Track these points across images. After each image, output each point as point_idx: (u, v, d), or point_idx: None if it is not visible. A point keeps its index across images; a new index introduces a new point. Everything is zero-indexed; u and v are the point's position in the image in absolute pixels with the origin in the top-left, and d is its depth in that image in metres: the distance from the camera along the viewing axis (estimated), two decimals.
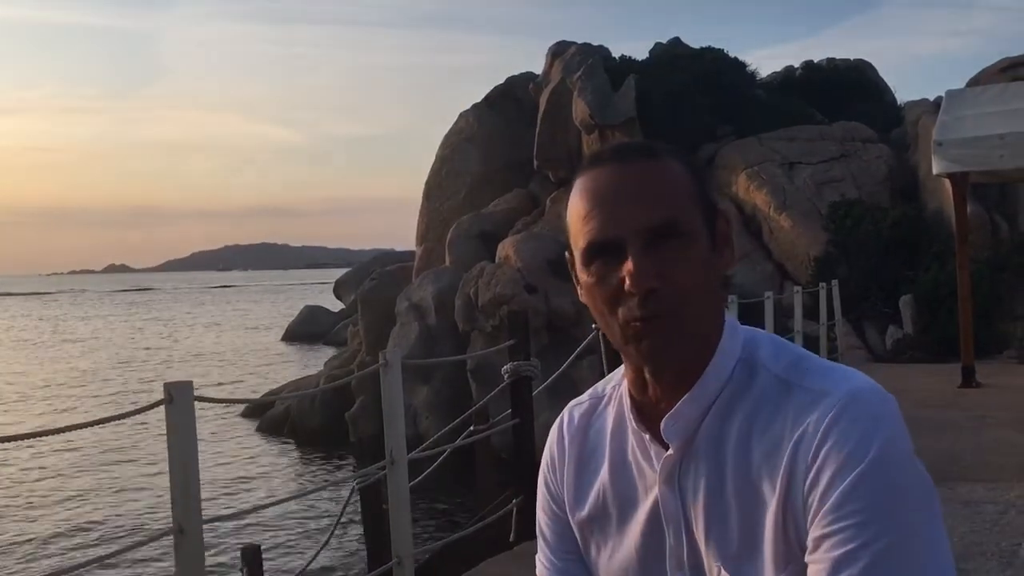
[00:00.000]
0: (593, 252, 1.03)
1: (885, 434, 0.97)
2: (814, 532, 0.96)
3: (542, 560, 1.23)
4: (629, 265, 1.00)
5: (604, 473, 1.15)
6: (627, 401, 1.13)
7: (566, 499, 1.20)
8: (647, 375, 1.08)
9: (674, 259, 1.01)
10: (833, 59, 23.50)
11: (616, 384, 1.17)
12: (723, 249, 1.07)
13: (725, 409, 1.05)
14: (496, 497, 5.92)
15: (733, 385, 1.05)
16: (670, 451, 1.07)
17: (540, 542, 1.24)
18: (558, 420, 1.23)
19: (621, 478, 1.13)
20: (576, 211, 1.05)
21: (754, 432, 1.03)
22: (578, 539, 1.19)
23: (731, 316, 1.11)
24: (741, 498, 1.03)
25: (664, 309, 1.00)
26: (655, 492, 1.09)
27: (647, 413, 1.10)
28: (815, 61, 23.55)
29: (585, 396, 1.22)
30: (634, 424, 1.11)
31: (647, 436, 1.09)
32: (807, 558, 0.97)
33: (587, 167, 1.07)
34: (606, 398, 1.19)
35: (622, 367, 1.14)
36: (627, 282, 1.00)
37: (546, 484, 1.22)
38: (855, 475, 0.95)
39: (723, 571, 1.04)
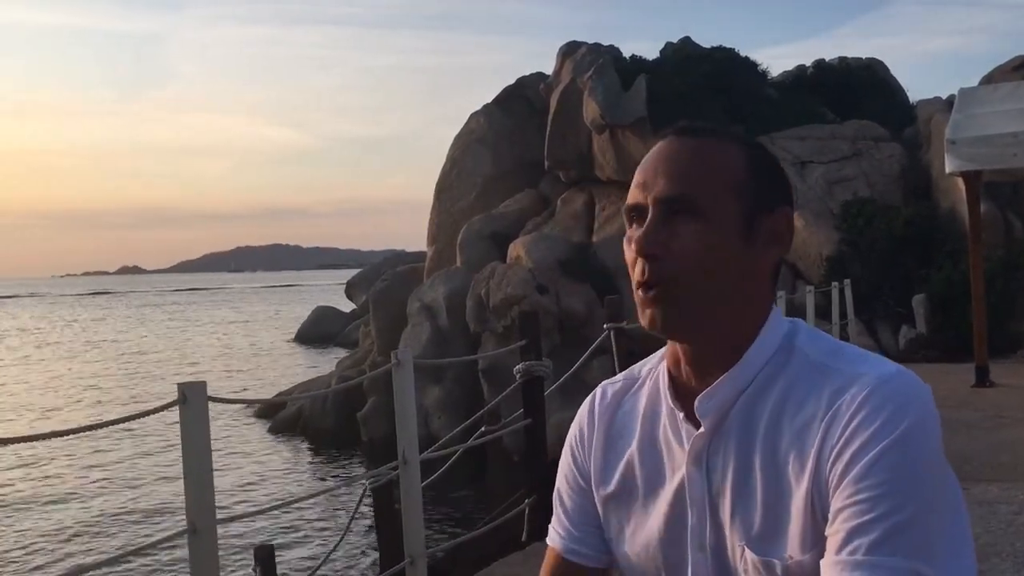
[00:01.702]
0: (629, 214, 1.10)
1: (914, 415, 0.98)
2: (834, 504, 0.97)
3: (557, 529, 1.24)
4: (640, 229, 1.07)
5: (633, 451, 1.17)
6: (664, 379, 1.15)
7: (592, 473, 1.21)
8: (680, 352, 1.11)
9: (683, 233, 1.05)
10: (845, 58, 23.40)
11: (652, 367, 1.20)
12: (767, 246, 1.09)
13: (759, 391, 1.07)
14: (508, 497, 5.93)
15: (769, 368, 1.07)
16: (701, 429, 1.09)
17: (558, 511, 1.25)
18: (591, 396, 1.26)
19: (650, 457, 1.15)
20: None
21: (786, 413, 1.04)
22: (600, 514, 1.20)
23: (778, 308, 1.13)
24: (768, 477, 1.04)
25: (661, 278, 1.05)
26: (682, 472, 1.11)
27: (682, 392, 1.12)
28: (826, 60, 23.45)
29: (620, 376, 1.25)
30: (670, 401, 1.13)
31: (681, 414, 1.11)
32: (826, 531, 0.98)
33: (658, 138, 1.14)
34: (641, 379, 1.21)
35: (660, 351, 1.18)
36: (635, 244, 1.07)
37: (572, 456, 1.24)
38: (879, 449, 0.96)
39: (746, 550, 1.05)
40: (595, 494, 1.21)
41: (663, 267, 1.04)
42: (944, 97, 18.83)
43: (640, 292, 1.07)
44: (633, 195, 1.09)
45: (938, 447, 0.99)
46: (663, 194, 1.05)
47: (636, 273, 1.07)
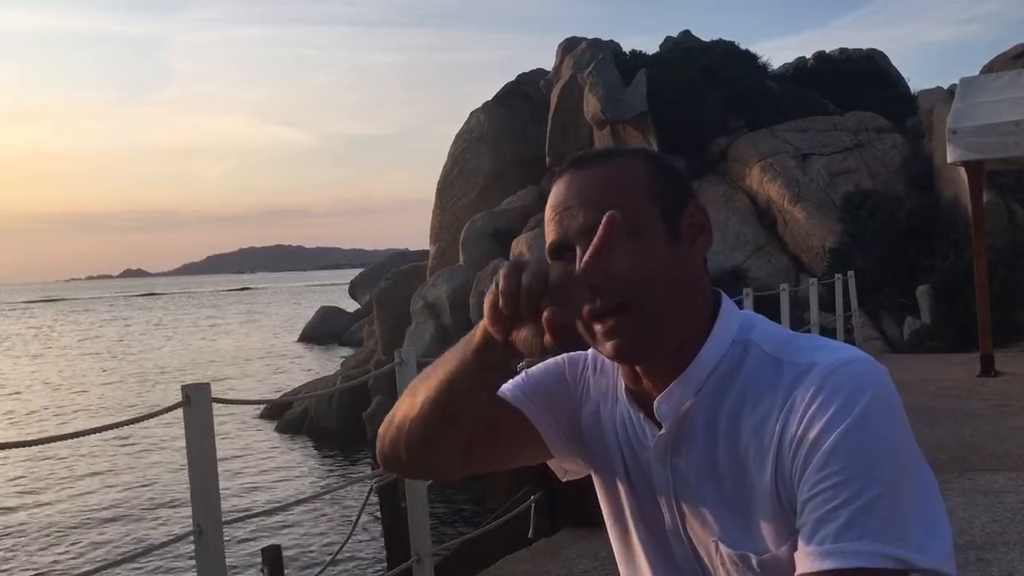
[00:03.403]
0: (554, 255, 1.09)
1: (869, 398, 0.97)
2: (800, 496, 0.97)
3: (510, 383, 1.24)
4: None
5: (613, 419, 1.18)
6: (621, 385, 1.16)
7: (584, 411, 1.22)
8: (637, 369, 1.11)
9: (617, 255, 1.03)
10: (845, 49, 23.37)
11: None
12: (695, 239, 1.10)
13: (717, 389, 1.07)
14: (514, 494, 5.92)
15: (725, 365, 1.07)
16: (663, 430, 1.10)
17: (520, 376, 1.25)
18: (590, 353, 1.25)
19: (628, 440, 1.16)
20: (545, 217, 1.13)
21: (744, 409, 1.05)
22: (576, 430, 1.22)
23: (729, 301, 1.13)
24: (733, 473, 1.05)
25: (611, 304, 1.04)
26: (651, 467, 1.12)
27: (640, 393, 1.13)
28: (827, 51, 23.43)
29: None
30: (626, 404, 1.15)
31: (641, 414, 1.13)
32: (797, 523, 0.98)
33: (556, 176, 1.14)
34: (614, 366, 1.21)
35: None
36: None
37: (571, 370, 1.24)
38: (836, 435, 0.96)
39: (720, 545, 1.06)
40: (579, 416, 1.21)
41: (611, 293, 1.04)
42: (945, 87, 18.80)
43: (596, 325, 1.05)
44: (554, 234, 1.08)
45: (899, 427, 0.98)
46: (586, 224, 1.04)
47: (586, 310, 1.05)
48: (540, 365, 1.27)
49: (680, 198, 1.10)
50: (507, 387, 1.24)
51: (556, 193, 1.11)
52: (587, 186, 1.08)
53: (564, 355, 1.27)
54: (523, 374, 1.26)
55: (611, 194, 1.06)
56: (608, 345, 1.06)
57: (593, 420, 1.21)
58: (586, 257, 0.98)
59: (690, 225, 1.09)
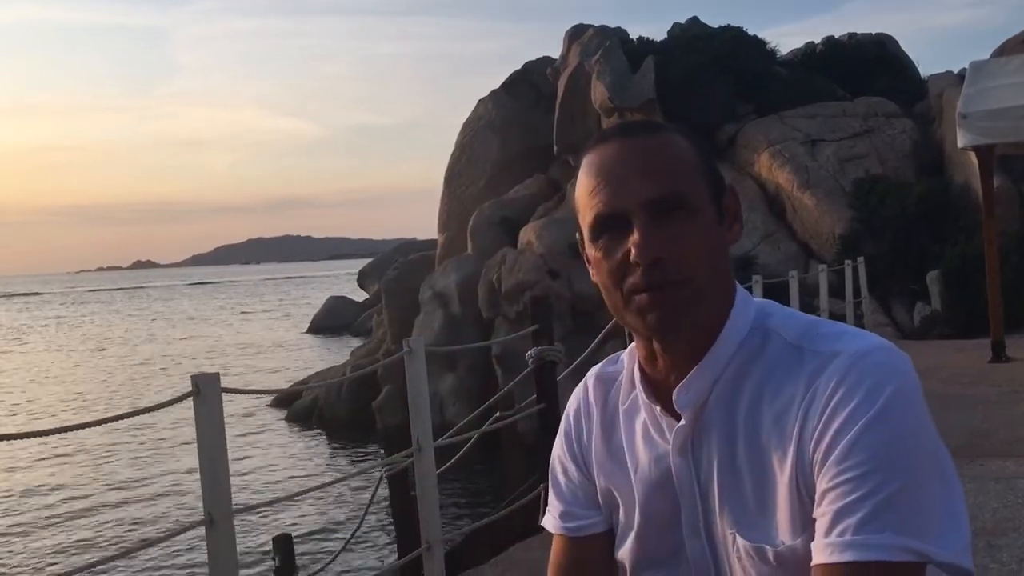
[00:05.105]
0: (600, 225, 1.04)
1: (892, 389, 0.96)
2: (820, 486, 0.97)
3: (560, 514, 1.23)
4: (635, 236, 1.01)
5: (622, 443, 1.17)
6: (638, 374, 1.14)
7: (593, 463, 1.21)
8: (656, 348, 1.09)
9: (680, 231, 1.02)
10: (854, 34, 23.21)
11: (631, 352, 1.18)
12: (732, 224, 1.08)
13: (736, 377, 1.05)
14: (523, 482, 5.93)
15: (744, 354, 1.06)
16: (682, 422, 1.08)
17: (558, 498, 1.24)
18: (583, 386, 1.25)
19: (637, 449, 1.15)
20: (583, 187, 1.07)
21: (765, 397, 1.03)
22: (600, 503, 1.20)
23: (742, 289, 1.11)
24: (753, 463, 1.03)
25: (670, 279, 1.01)
26: (668, 463, 1.10)
27: (657, 385, 1.11)
28: (836, 36, 23.27)
29: (606, 364, 1.24)
30: (644, 397, 1.12)
31: (658, 408, 1.10)
32: (814, 513, 0.97)
33: (593, 145, 1.08)
34: (623, 368, 1.20)
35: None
36: (633, 252, 1.01)
37: (570, 445, 1.23)
38: (859, 426, 0.95)
39: (738, 537, 1.05)
40: (596, 482, 1.20)
41: (670, 269, 1.01)
42: (955, 71, 18.67)
43: (643, 296, 1.02)
44: (605, 204, 1.02)
45: (921, 418, 0.97)
46: (652, 195, 1.01)
47: (632, 282, 1.02)
48: (551, 478, 1.26)
49: (720, 180, 1.08)
50: (561, 527, 1.23)
51: (603, 160, 1.05)
52: (645, 155, 1.03)
53: (554, 447, 1.25)
54: (553, 506, 1.25)
55: (673, 167, 1.03)
56: (650, 317, 1.03)
57: (601, 456, 1.20)
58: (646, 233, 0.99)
59: (729, 209, 1.08)
